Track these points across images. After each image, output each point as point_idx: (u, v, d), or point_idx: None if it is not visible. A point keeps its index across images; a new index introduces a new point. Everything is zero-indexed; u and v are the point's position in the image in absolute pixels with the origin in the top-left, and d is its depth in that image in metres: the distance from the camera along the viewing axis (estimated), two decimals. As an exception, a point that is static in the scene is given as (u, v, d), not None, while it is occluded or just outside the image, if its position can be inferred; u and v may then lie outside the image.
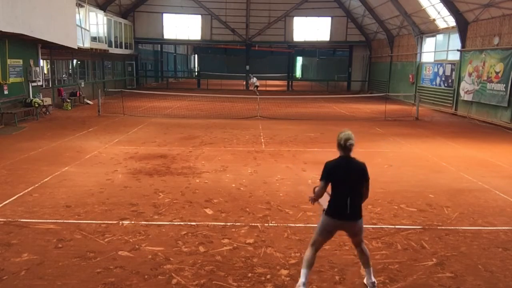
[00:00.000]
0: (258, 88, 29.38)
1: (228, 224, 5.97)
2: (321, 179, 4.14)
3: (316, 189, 4.21)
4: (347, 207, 4.06)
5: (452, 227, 5.99)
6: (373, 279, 4.26)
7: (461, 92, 19.18)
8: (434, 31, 22.80)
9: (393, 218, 6.32)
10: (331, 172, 4.12)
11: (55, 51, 19.39)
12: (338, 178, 4.10)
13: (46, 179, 7.93)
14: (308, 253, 4.25)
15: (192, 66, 57.53)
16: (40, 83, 17.47)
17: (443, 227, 5.99)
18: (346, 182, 4.09)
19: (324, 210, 4.20)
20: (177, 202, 6.85)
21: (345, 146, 4.10)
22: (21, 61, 16.01)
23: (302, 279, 4.14)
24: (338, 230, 4.27)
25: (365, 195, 4.25)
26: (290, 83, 38.25)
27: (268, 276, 4.53)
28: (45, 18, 15.03)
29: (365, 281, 4.35)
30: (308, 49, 46.49)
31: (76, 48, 18.44)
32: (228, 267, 4.71)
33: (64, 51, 19.77)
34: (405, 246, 5.35)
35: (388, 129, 15.05)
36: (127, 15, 31.63)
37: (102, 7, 25.63)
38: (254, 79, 30.56)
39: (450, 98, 20.39)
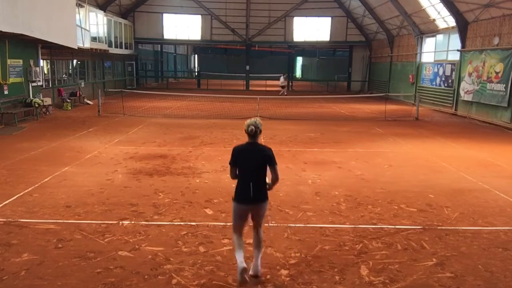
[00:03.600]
0: (285, 89, 29.49)
1: (228, 224, 5.95)
2: (229, 163, 4.41)
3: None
4: (250, 191, 4.25)
5: (452, 227, 5.99)
6: (259, 267, 4.43)
7: (461, 92, 19.18)
8: (434, 31, 22.80)
9: (393, 218, 6.32)
10: (236, 157, 4.34)
11: (55, 51, 19.39)
12: (242, 162, 4.32)
13: (46, 179, 7.93)
14: (234, 238, 4.46)
15: (192, 66, 57.52)
16: (40, 83, 17.46)
17: (443, 227, 5.99)
18: (249, 167, 4.29)
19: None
20: (177, 202, 6.85)
21: (247, 132, 4.34)
22: (21, 61, 16.01)
23: (239, 259, 4.25)
24: (247, 212, 4.45)
25: (273, 180, 4.40)
26: (290, 83, 38.24)
27: (268, 276, 4.53)
28: (45, 18, 15.02)
29: (251, 267, 4.44)
30: (308, 49, 46.46)
31: (76, 48, 18.42)
32: (228, 267, 4.71)
33: (64, 51, 19.76)
34: (405, 246, 5.35)
35: (388, 129, 15.05)
36: (127, 15, 31.64)
37: (102, 7, 25.63)
38: (282, 79, 29.80)
39: (450, 98, 20.40)
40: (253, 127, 4.31)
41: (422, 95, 21.69)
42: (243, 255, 4.33)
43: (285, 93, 28.64)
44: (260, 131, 4.41)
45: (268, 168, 4.38)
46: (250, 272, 4.40)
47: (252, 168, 4.30)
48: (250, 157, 4.32)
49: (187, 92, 27.97)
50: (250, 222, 4.59)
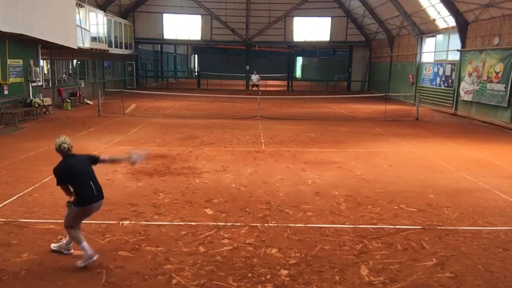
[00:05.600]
0: (259, 88, 28.99)
1: (228, 224, 5.97)
2: (58, 184, 4.76)
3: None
4: (94, 190, 4.77)
5: (452, 227, 5.99)
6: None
7: (461, 92, 19.18)
8: (434, 31, 22.80)
9: (393, 218, 6.32)
10: (64, 175, 4.71)
11: (55, 51, 19.38)
12: (74, 175, 4.72)
13: (46, 179, 7.93)
14: (74, 233, 4.79)
15: (192, 66, 57.52)
16: (40, 83, 17.46)
17: (443, 227, 5.99)
18: (83, 174, 4.75)
19: (69, 202, 4.85)
20: (177, 202, 6.85)
21: (60, 150, 4.77)
22: (21, 61, 16.01)
23: (88, 251, 4.65)
24: (91, 211, 4.93)
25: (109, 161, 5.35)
26: (290, 83, 38.27)
27: (268, 276, 4.53)
28: (45, 18, 15.02)
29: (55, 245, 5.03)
30: (308, 49, 46.48)
31: (76, 48, 18.42)
32: (228, 267, 4.71)
33: (64, 51, 19.75)
34: (405, 246, 5.35)
35: (388, 129, 15.05)
36: (127, 15, 31.63)
37: (102, 7, 25.62)
38: (256, 77, 29.24)
39: (450, 98, 20.40)
40: (66, 145, 4.78)
41: (422, 95, 21.68)
42: (87, 245, 4.74)
43: (259, 93, 27.07)
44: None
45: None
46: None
47: (86, 172, 4.83)
48: (79, 165, 4.81)
49: (187, 92, 27.97)
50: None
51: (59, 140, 4.80)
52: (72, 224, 4.81)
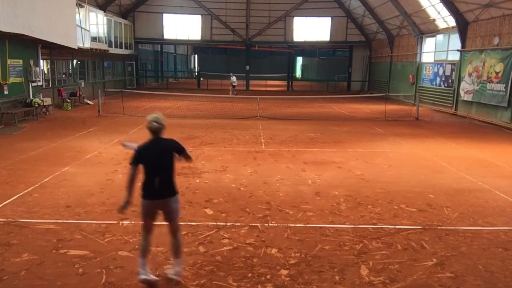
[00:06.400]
0: (235, 88, 28.63)
1: (228, 224, 5.97)
2: (130, 164, 4.29)
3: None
4: (155, 185, 4.24)
5: (452, 227, 5.99)
6: (179, 269, 4.42)
7: (461, 92, 19.17)
8: (434, 31, 22.80)
9: (393, 218, 6.32)
10: (139, 155, 4.28)
11: (55, 51, 19.39)
12: (146, 159, 4.27)
13: (46, 179, 7.93)
14: (141, 240, 4.46)
15: (192, 66, 57.53)
16: (40, 83, 17.46)
17: (443, 227, 5.99)
18: (154, 162, 4.26)
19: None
20: (177, 202, 6.84)
21: (149, 128, 4.31)
22: (21, 61, 16.01)
23: (139, 269, 4.29)
24: (156, 210, 4.42)
25: (187, 161, 4.66)
26: (290, 83, 38.26)
27: (268, 276, 4.53)
28: (45, 18, 15.02)
29: (169, 271, 4.47)
30: (308, 49, 46.49)
31: (76, 48, 18.43)
32: (228, 267, 4.71)
33: (64, 51, 19.76)
34: (405, 246, 5.35)
35: (388, 129, 15.05)
36: (127, 15, 31.63)
37: (102, 7, 25.63)
38: (234, 78, 29.28)
39: (450, 98, 20.39)
40: (155, 124, 4.31)
41: (422, 95, 21.69)
42: (144, 264, 4.32)
43: (235, 93, 27.49)
44: (164, 127, 4.40)
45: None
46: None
47: (158, 163, 4.32)
48: (155, 152, 4.33)
49: (187, 92, 27.96)
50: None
51: (150, 116, 4.34)
52: (143, 221, 4.46)
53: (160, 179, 4.27)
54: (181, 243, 4.61)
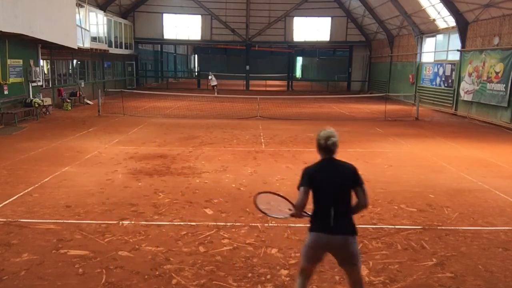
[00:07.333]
0: (217, 88, 28.00)
1: (228, 224, 5.97)
2: (299, 186, 3.54)
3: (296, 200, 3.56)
4: (330, 218, 3.41)
5: (452, 227, 5.99)
6: None
7: (461, 92, 19.17)
8: (434, 31, 22.80)
9: (393, 218, 6.32)
10: (311, 178, 3.49)
11: (55, 51, 19.39)
12: (319, 184, 3.47)
13: (46, 179, 7.93)
14: (296, 284, 3.73)
15: (192, 66, 57.50)
16: (40, 83, 17.46)
17: (443, 227, 5.99)
18: (329, 189, 3.45)
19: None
20: (177, 202, 6.85)
21: (326, 146, 3.48)
22: (21, 61, 16.01)
23: None
24: (327, 250, 3.55)
25: (361, 204, 3.50)
26: (290, 83, 38.26)
27: (268, 276, 4.53)
28: (45, 18, 15.02)
29: None
30: (308, 49, 46.46)
31: (76, 48, 18.43)
32: (228, 267, 4.71)
33: (64, 51, 19.76)
34: (405, 246, 5.35)
35: (388, 129, 15.05)
36: (127, 15, 31.63)
37: (102, 7, 25.63)
38: (212, 77, 28.64)
39: (450, 98, 20.39)
40: (335, 140, 3.49)
41: (422, 95, 21.68)
42: None
43: (215, 93, 26.75)
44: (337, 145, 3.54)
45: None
46: None
47: (335, 190, 3.46)
48: (332, 176, 3.48)
49: (187, 92, 27.94)
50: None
51: (324, 132, 3.51)
52: (304, 262, 3.62)
53: (338, 211, 3.43)
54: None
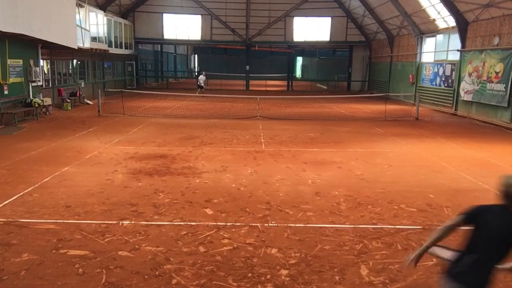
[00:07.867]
0: (203, 89, 26.11)
1: (228, 224, 5.97)
2: (460, 213, 3.17)
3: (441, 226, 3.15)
4: (465, 266, 2.95)
5: (452, 227, 5.98)
6: None
7: (461, 92, 19.17)
8: (434, 31, 22.80)
9: (393, 218, 6.32)
10: (478, 214, 3.12)
11: (55, 51, 19.38)
12: (481, 227, 3.02)
13: (46, 179, 7.93)
14: None
15: (192, 66, 57.51)
16: (40, 83, 17.46)
17: (443, 227, 5.98)
18: (488, 238, 2.95)
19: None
20: (177, 202, 6.85)
21: (507, 193, 3.08)
22: (21, 61, 16.00)
23: None
24: None
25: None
26: (290, 83, 38.26)
27: (268, 276, 4.53)
28: (45, 18, 15.02)
29: None
30: (308, 49, 46.47)
31: (76, 48, 18.43)
32: (228, 267, 4.71)
33: (64, 51, 19.75)
34: (405, 246, 5.35)
35: (388, 129, 15.05)
36: (127, 15, 31.63)
37: (102, 7, 25.62)
38: (202, 77, 26.53)
39: (450, 98, 20.39)
40: None
41: (422, 95, 21.68)
42: None
43: (201, 93, 25.28)
44: None
45: None
46: None
47: (493, 242, 2.97)
48: (499, 225, 3.00)
49: (187, 92, 27.95)
50: None
51: (509, 178, 3.18)
52: None
53: (480, 260, 2.95)
54: None
